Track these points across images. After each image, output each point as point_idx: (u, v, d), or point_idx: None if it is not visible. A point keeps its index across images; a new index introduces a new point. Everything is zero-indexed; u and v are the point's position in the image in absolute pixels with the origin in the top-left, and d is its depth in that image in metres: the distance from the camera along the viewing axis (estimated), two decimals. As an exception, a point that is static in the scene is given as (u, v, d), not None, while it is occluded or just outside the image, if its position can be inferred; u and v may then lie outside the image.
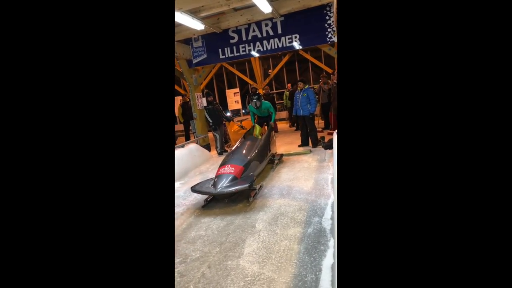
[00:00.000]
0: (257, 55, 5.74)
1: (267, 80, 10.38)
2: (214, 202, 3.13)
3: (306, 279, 1.72)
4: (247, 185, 2.94)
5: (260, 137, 4.33)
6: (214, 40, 5.76)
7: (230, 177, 3.07)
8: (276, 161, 4.43)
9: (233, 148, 3.97)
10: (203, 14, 4.56)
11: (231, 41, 5.69)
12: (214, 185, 3.02)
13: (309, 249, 2.04)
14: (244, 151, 3.64)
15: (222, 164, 3.34)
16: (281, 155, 4.77)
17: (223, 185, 2.99)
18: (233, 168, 3.18)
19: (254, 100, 4.88)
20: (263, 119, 5.21)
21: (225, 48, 5.77)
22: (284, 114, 9.48)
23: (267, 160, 4.14)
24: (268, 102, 5.15)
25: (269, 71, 10.53)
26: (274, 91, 9.39)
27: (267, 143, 4.24)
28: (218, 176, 3.11)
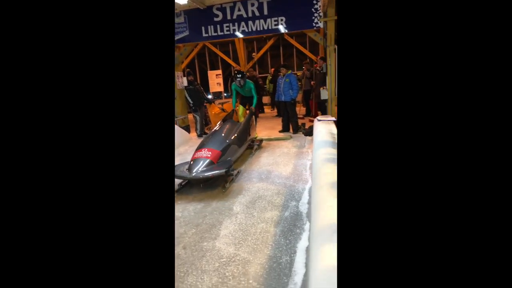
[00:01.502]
0: (241, 36, 5.57)
1: (251, 63, 10.19)
2: (189, 186, 3.07)
3: (281, 260, 1.74)
4: (224, 170, 2.85)
5: (242, 119, 4.27)
6: (197, 16, 5.51)
7: (206, 162, 2.96)
8: (255, 147, 4.37)
9: (211, 131, 3.84)
10: (186, -12, 4.32)
11: (215, 19, 5.47)
12: (189, 169, 2.90)
13: (285, 231, 2.07)
14: (222, 135, 3.51)
15: (199, 148, 3.22)
16: (261, 140, 4.73)
17: (199, 169, 2.88)
18: (210, 152, 3.07)
19: (238, 79, 4.68)
20: (246, 100, 5.06)
21: (209, 26, 5.55)
22: (266, 99, 9.41)
23: (246, 145, 4.06)
24: (252, 82, 4.97)
25: (253, 54, 10.32)
26: (258, 75, 9.25)
27: (247, 128, 4.13)
28: (194, 160, 3.00)
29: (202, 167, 2.91)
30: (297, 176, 3.20)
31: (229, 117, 4.47)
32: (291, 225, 2.15)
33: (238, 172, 3.40)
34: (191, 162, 3.00)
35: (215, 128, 3.93)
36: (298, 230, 2.07)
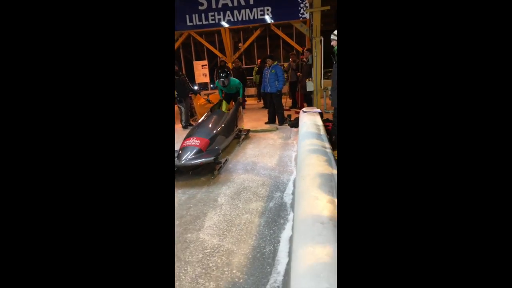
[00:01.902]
0: (227, 25, 5.48)
1: (237, 54, 10.06)
2: (177, 174, 3.05)
3: (265, 250, 1.76)
4: (212, 158, 2.90)
5: (227, 111, 4.25)
6: (182, 5, 5.35)
7: (195, 150, 3.00)
8: (242, 137, 4.40)
9: (199, 121, 3.90)
10: (169, -26, 4.17)
11: (200, 7, 5.34)
12: (178, 157, 2.94)
13: (269, 222, 2.08)
14: (210, 125, 3.56)
15: (188, 137, 3.26)
16: (248, 130, 4.75)
17: (188, 157, 2.92)
18: (198, 141, 3.11)
19: (222, 79, 4.54)
20: (231, 96, 5.01)
21: (193, 15, 5.41)
22: (253, 90, 9.35)
23: (234, 135, 4.10)
24: (236, 79, 4.86)
25: (240, 44, 10.18)
26: (244, 66, 9.16)
27: (234, 118, 4.17)
28: (183, 148, 3.04)
29: (191, 155, 2.97)
30: (282, 167, 3.22)
31: (217, 107, 4.51)
32: (275, 216, 2.16)
33: (226, 160, 3.43)
34: (180, 151, 3.04)
35: (202, 118, 3.97)
36: (282, 221, 2.09)
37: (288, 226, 2.00)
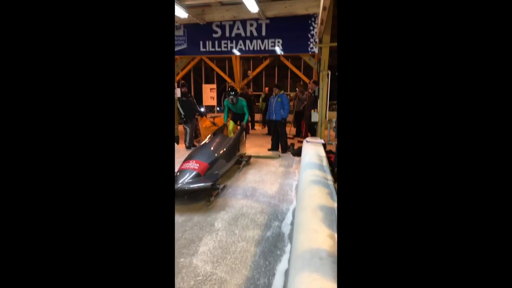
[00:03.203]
0: (238, 53, 5.69)
1: (246, 81, 10.36)
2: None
3: (259, 282, 1.69)
4: (210, 183, 2.83)
5: (231, 135, 4.27)
6: (197, 31, 5.62)
7: (193, 173, 2.93)
8: (243, 162, 4.36)
9: (201, 144, 3.85)
10: (188, 2, 4.42)
11: (214, 35, 5.59)
12: (175, 180, 2.86)
13: (265, 252, 2.02)
14: (211, 148, 3.53)
15: (187, 159, 3.19)
16: (249, 156, 4.73)
17: (185, 181, 2.84)
18: (197, 164, 3.04)
19: (231, 96, 4.84)
20: (238, 116, 5.14)
21: (207, 41, 5.65)
22: (258, 116, 9.50)
23: (235, 160, 4.05)
24: (244, 100, 5.09)
25: (249, 72, 10.51)
26: (252, 92, 9.39)
27: (237, 143, 4.14)
28: (181, 171, 2.97)
29: (188, 178, 2.87)
30: (282, 195, 3.18)
31: (219, 131, 4.47)
32: (272, 246, 2.10)
33: (224, 186, 3.36)
34: (178, 173, 2.95)
35: (204, 141, 3.93)
36: (278, 252, 2.03)
37: (285, 258, 1.93)
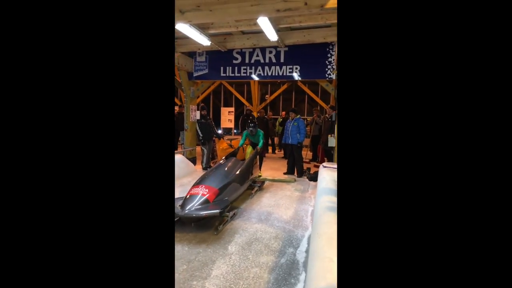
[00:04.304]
0: (257, 79, 5.87)
1: (263, 105, 10.55)
2: (180, 224, 2.83)
3: (271, 311, 1.64)
4: (218, 211, 2.66)
5: (247, 157, 4.26)
6: (218, 57, 5.88)
7: (202, 199, 2.79)
8: (256, 188, 4.21)
9: (212, 167, 3.69)
10: (211, 31, 4.69)
11: (234, 61, 5.83)
12: (182, 205, 2.73)
13: (279, 280, 1.97)
14: (222, 172, 3.39)
15: (196, 184, 3.07)
16: (263, 181, 4.59)
17: (192, 207, 2.70)
18: (207, 190, 2.91)
19: (250, 128, 4.86)
20: (254, 145, 5.14)
21: (227, 67, 5.89)
22: (276, 139, 9.55)
23: (247, 185, 3.91)
24: (261, 131, 5.07)
25: (266, 96, 10.73)
26: (271, 116, 9.53)
27: (249, 167, 4.01)
28: (189, 197, 2.84)
29: (196, 205, 2.74)
30: (297, 221, 3.12)
31: (232, 155, 4.39)
32: (286, 274, 2.05)
33: (234, 213, 3.19)
34: (187, 197, 2.85)
35: (216, 165, 3.83)
36: (293, 280, 1.97)
37: (300, 287, 1.87)
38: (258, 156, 4.68)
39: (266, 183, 4.73)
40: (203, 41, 4.84)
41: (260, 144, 4.82)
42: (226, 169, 3.54)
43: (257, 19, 3.65)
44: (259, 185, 4.36)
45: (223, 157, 4.26)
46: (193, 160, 6.05)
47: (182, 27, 4.02)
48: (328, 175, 3.58)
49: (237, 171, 3.58)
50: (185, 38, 4.92)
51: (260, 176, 4.72)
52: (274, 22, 4.13)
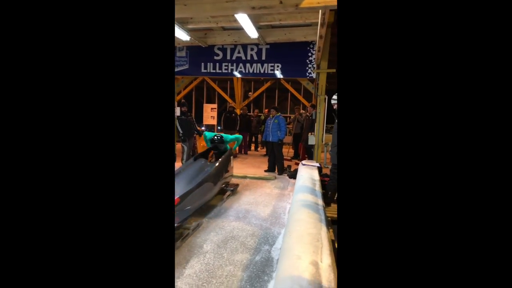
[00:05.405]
0: (239, 76, 5.84)
1: (246, 102, 10.52)
2: None
3: (242, 309, 1.64)
4: (176, 224, 2.34)
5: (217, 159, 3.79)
6: (198, 53, 5.79)
7: None
8: (228, 192, 3.78)
9: (175, 172, 3.16)
10: (190, 26, 4.60)
11: (215, 57, 5.76)
12: None
13: (252, 277, 1.98)
14: (186, 177, 2.99)
15: None
16: (236, 185, 4.17)
17: None
18: None
19: (216, 143, 4.10)
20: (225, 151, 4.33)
21: (208, 63, 5.82)
22: (259, 137, 9.55)
23: (217, 190, 3.49)
24: (229, 135, 4.48)
25: (249, 93, 10.70)
26: (257, 113, 9.49)
27: (221, 171, 3.58)
28: None
29: None
30: (274, 218, 3.14)
31: (202, 156, 3.94)
32: (260, 271, 2.06)
33: (198, 225, 2.77)
34: None
35: (180, 167, 3.42)
36: (266, 277, 1.98)
37: (272, 285, 1.89)
38: (231, 157, 4.17)
39: (247, 180, 4.72)
40: (183, 36, 4.75)
41: (235, 146, 4.27)
42: (191, 173, 3.16)
43: (234, 15, 3.61)
44: (232, 189, 3.92)
45: (191, 158, 3.87)
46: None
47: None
48: (306, 172, 3.62)
49: (204, 175, 3.14)
50: (164, 32, 4.80)
51: (230, 178, 4.17)
52: (254, 19, 4.11)
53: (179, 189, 2.69)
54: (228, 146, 4.28)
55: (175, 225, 2.33)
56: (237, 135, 4.52)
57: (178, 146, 6.27)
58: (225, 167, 3.80)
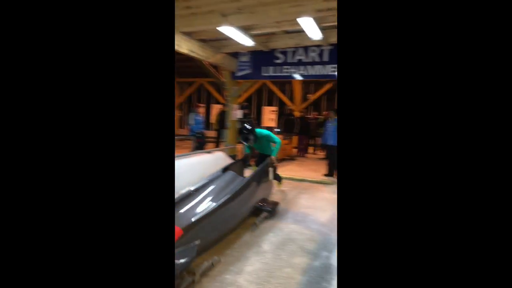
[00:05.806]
0: (299, 78, 5.81)
1: (305, 104, 10.39)
2: None
3: (301, 313, 1.64)
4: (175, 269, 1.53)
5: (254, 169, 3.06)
6: (260, 57, 5.95)
7: None
8: (263, 214, 2.83)
9: (191, 189, 2.35)
10: (254, 32, 4.76)
11: (276, 61, 5.83)
12: None
13: (311, 282, 1.96)
14: (200, 199, 2.23)
15: None
16: (276, 204, 3.14)
17: None
18: None
19: (244, 134, 3.24)
20: (264, 157, 3.47)
21: (270, 67, 5.93)
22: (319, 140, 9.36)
23: (247, 213, 2.65)
24: (266, 130, 3.64)
25: (308, 95, 10.55)
26: (316, 116, 9.28)
27: (255, 188, 2.70)
28: None
29: None
30: (334, 225, 3.03)
31: (235, 165, 3.17)
32: (319, 277, 2.02)
33: (212, 264, 1.96)
34: None
35: (198, 184, 2.46)
36: (325, 284, 1.94)
37: (331, 293, 1.84)
38: (272, 169, 3.33)
39: (305, 183, 4.66)
40: (247, 41, 4.93)
41: (274, 153, 3.34)
42: (209, 191, 2.34)
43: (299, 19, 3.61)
44: (270, 208, 2.92)
45: (220, 169, 2.95)
46: (234, 158, 6.23)
47: (225, 29, 4.15)
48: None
49: (228, 194, 2.30)
50: (229, 39, 5.07)
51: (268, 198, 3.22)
52: (318, 21, 4.05)
53: (186, 216, 1.96)
54: (266, 147, 3.48)
55: (175, 270, 1.54)
56: (274, 136, 3.48)
57: (239, 147, 6.54)
58: (261, 182, 2.92)
